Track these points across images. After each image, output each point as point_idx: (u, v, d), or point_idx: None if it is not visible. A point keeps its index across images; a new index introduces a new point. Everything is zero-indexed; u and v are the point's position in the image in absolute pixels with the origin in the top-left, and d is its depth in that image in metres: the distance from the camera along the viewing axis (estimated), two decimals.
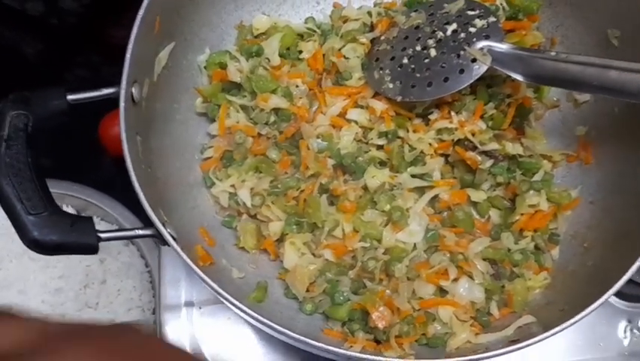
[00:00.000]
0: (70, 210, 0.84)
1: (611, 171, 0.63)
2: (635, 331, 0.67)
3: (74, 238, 0.51)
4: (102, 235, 0.52)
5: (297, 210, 0.64)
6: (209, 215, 0.66)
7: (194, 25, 0.67)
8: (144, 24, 0.57)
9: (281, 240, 0.64)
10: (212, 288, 0.51)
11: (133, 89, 0.57)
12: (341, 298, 0.61)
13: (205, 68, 0.69)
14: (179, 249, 0.52)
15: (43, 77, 0.92)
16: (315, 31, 0.71)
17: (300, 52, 0.70)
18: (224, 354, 0.68)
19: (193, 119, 0.69)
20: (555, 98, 0.69)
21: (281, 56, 0.69)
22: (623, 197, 0.61)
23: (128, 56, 0.55)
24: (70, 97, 0.55)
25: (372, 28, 0.71)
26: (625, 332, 0.67)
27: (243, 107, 0.67)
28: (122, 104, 0.54)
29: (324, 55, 0.69)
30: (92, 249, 0.52)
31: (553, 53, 0.59)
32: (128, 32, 0.56)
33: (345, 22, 0.71)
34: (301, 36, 0.71)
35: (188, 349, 0.67)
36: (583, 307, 0.52)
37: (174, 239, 0.53)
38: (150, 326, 0.77)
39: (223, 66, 0.68)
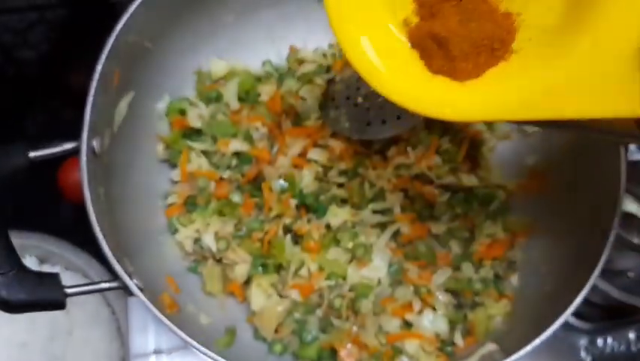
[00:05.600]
0: (33, 260, 0.82)
1: (558, 197, 0.66)
2: (595, 351, 0.69)
3: (42, 296, 0.51)
4: (68, 291, 0.52)
5: (263, 252, 0.65)
6: (174, 261, 0.66)
7: (152, 73, 0.68)
8: (103, 78, 0.57)
9: (247, 282, 0.65)
10: (182, 338, 0.51)
11: (94, 142, 0.57)
12: (309, 337, 0.62)
13: (166, 115, 0.70)
14: (147, 301, 0.52)
15: (1, 125, 0.91)
16: (272, 73, 0.73)
17: (259, 95, 0.71)
18: None
19: (155, 166, 0.69)
20: (507, 129, 0.72)
21: (240, 99, 0.71)
22: (571, 222, 0.63)
23: (87, 110, 0.56)
24: (32, 154, 0.55)
25: (327, 69, 0.73)
26: (587, 352, 0.69)
27: (205, 152, 0.68)
28: (83, 158, 0.55)
29: (282, 97, 0.70)
30: (59, 305, 0.52)
31: None
32: (86, 77, 0.56)
33: (301, 64, 0.73)
34: (259, 79, 0.73)
35: None
36: (542, 330, 0.54)
37: (141, 290, 0.54)
38: None
39: (183, 113, 0.69)
